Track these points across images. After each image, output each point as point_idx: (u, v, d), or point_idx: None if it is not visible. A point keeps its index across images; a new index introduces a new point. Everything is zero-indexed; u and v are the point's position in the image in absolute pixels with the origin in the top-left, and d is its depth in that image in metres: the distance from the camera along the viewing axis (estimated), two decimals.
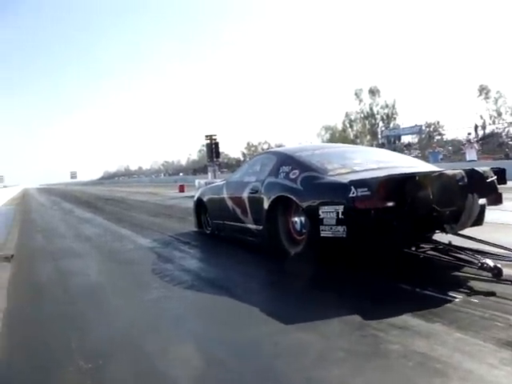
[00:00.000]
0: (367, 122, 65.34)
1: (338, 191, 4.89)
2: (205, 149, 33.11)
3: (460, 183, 4.58)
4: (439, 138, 49.35)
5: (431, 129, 55.49)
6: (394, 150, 48.79)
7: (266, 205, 6.12)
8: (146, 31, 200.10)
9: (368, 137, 64.72)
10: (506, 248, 4.75)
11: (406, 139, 51.51)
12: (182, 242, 8.30)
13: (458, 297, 3.86)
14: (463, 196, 4.56)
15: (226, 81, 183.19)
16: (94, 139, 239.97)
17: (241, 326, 3.71)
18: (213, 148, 29.76)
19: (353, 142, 63.72)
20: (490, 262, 4.14)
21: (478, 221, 5.03)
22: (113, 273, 6.27)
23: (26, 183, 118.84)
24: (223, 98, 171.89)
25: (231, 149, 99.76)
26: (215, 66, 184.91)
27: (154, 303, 4.51)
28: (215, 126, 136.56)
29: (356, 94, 64.56)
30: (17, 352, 3.52)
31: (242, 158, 74.32)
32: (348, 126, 67.46)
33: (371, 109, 64.27)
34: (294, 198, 5.52)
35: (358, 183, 4.66)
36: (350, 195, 4.64)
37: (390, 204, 4.50)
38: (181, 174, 77.42)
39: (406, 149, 43.77)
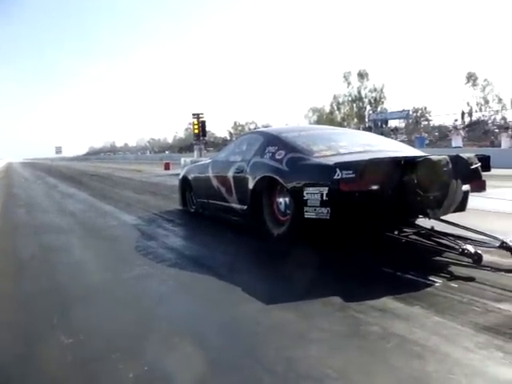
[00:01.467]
0: (355, 106, 65.35)
1: (323, 173, 4.90)
2: (191, 127, 32.79)
3: (444, 169, 4.54)
4: (426, 123, 49.58)
5: (418, 114, 55.72)
6: (382, 134, 48.91)
7: (250, 185, 6.11)
8: (134, 5, 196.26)
9: (355, 120, 64.83)
10: (487, 235, 4.78)
11: (393, 123, 51.68)
12: (167, 219, 8.27)
13: (438, 281, 3.91)
14: (447, 182, 4.56)
15: (215, 60, 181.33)
16: (80, 114, 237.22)
17: (223, 304, 3.75)
18: (199, 126, 29.56)
19: (340, 124, 63.85)
20: (471, 248, 4.20)
21: (461, 207, 5.07)
22: (95, 249, 6.23)
23: (10, 157, 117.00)
24: (211, 76, 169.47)
25: (218, 128, 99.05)
26: (204, 45, 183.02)
27: (136, 281, 4.49)
28: (202, 105, 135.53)
29: (344, 76, 64.40)
30: None
31: (228, 138, 73.96)
32: (336, 108, 67.44)
33: (359, 92, 64.24)
34: (279, 179, 5.52)
35: (343, 165, 4.67)
36: (335, 177, 4.64)
37: (375, 187, 4.53)
38: (167, 152, 76.85)
39: (393, 133, 43.93)
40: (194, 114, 29.61)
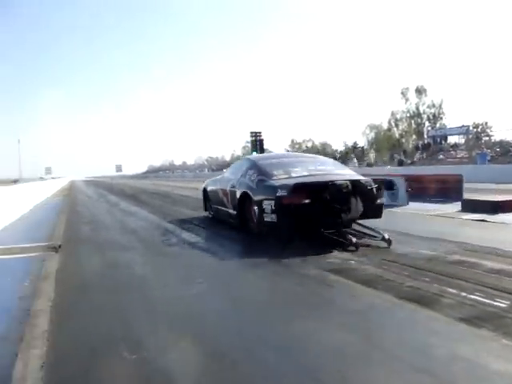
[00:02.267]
0: (413, 122, 64.21)
1: (271, 191, 7.33)
2: (249, 145, 33.32)
3: (344, 190, 6.93)
4: (487, 139, 47.80)
5: (479, 129, 53.69)
6: (440, 150, 47.77)
7: (237, 197, 8.64)
8: (193, 28, 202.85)
9: (413, 136, 63.65)
10: (378, 231, 7.22)
11: (452, 139, 50.31)
12: (223, 235, 8.57)
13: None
14: (348, 198, 6.97)
15: (273, 78, 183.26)
16: (140, 133, 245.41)
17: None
18: (257, 144, 29.97)
19: (398, 141, 62.97)
20: (354, 239, 6.70)
21: (376, 215, 7.71)
22: (157, 266, 6.44)
23: (73, 175, 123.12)
24: (269, 94, 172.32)
25: (275, 146, 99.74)
26: (262, 63, 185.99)
27: (196, 298, 4.64)
28: (260, 123, 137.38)
29: (402, 92, 63.64)
30: (65, 342, 3.70)
31: None
32: (393, 125, 66.58)
33: (417, 108, 63.18)
34: (251, 194, 8.03)
35: (282, 186, 7.20)
36: (277, 194, 7.14)
37: (307, 201, 6.93)
38: (224, 170, 78.13)
39: (453, 149, 42.63)
40: (252, 133, 30.14)
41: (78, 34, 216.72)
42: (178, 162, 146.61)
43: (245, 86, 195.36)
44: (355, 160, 55.52)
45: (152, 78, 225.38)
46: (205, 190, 11.72)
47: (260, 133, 30.61)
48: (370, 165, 52.19)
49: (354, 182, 7.20)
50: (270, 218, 7.25)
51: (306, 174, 7.92)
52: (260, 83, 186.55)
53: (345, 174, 8.17)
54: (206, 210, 11.83)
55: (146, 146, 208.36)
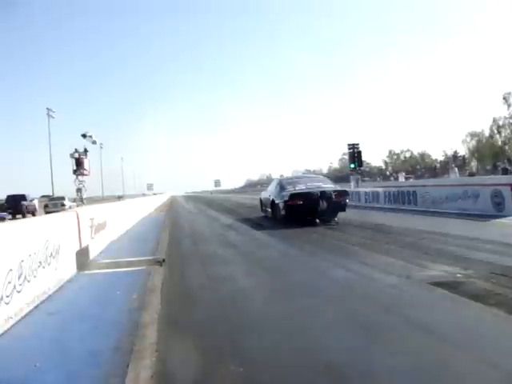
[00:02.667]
0: None
1: (282, 197, 13.78)
2: (346, 157, 32.88)
3: (314, 197, 12.97)
4: None
5: None
6: None
7: (270, 201, 15.23)
8: (290, 45, 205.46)
9: None
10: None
11: None
12: (326, 249, 8.42)
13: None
14: (318, 201, 12.89)
15: (370, 87, 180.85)
16: (238, 147, 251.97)
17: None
18: (355, 157, 29.48)
19: (501, 149, 59.11)
20: (317, 221, 12.95)
21: (341, 210, 13.43)
22: (259, 280, 6.48)
23: (173, 191, 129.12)
24: (366, 104, 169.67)
25: (373, 157, 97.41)
26: (359, 74, 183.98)
27: (300, 312, 4.57)
28: (357, 134, 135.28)
29: (504, 98, 59.69)
30: (173, 354, 3.79)
31: (383, 167, 72.23)
32: (496, 132, 62.51)
33: None
34: (275, 199, 14.59)
35: (287, 195, 13.47)
36: (285, 199, 13.51)
37: (300, 202, 13.07)
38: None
39: None
40: (349, 145, 29.67)
41: (180, 59, 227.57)
42: (275, 176, 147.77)
43: (342, 96, 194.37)
44: (456, 170, 52.67)
45: (249, 92, 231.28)
46: (260, 199, 18.41)
47: (358, 144, 29.99)
48: (471, 174, 49.32)
49: (322, 192, 13.17)
50: (283, 212, 13.63)
51: (303, 187, 13.92)
52: (358, 93, 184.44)
53: (326, 186, 13.94)
54: (261, 210, 17.81)
55: (243, 160, 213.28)
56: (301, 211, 12.91)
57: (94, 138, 28.87)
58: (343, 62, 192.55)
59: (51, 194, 48.61)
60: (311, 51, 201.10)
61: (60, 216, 7.55)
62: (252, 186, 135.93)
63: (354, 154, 29.74)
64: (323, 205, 12.69)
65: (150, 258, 8.41)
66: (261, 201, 17.96)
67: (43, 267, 5.60)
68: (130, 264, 7.94)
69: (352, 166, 30.65)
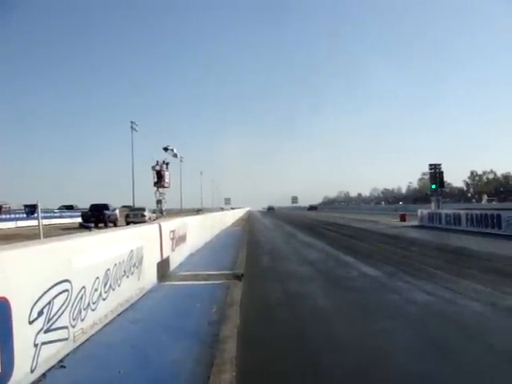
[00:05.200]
0: None
1: None
2: (426, 177, 31.76)
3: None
4: None
5: None
6: None
7: None
8: (374, 62, 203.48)
9: None
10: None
11: None
12: (405, 271, 8.14)
13: None
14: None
15: (454, 106, 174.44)
16: (316, 164, 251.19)
17: None
18: (437, 177, 28.50)
19: None
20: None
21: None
22: (338, 299, 6.35)
23: (250, 206, 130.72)
24: (448, 123, 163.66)
25: (453, 177, 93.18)
26: (440, 89, 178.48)
27: (380, 334, 4.40)
28: (437, 153, 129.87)
29: None
30: (253, 368, 3.77)
31: (464, 188, 69.18)
32: None
33: None
34: None
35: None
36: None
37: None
38: (400, 203, 75.73)
39: None
40: (431, 165, 28.70)
41: (256, 70, 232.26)
42: (353, 194, 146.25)
43: (425, 113, 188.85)
44: None
45: (325, 109, 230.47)
46: None
47: (439, 165, 28.87)
48: None
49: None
50: None
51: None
52: (441, 110, 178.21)
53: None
54: None
55: (321, 177, 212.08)
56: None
57: (175, 151, 29.97)
58: (425, 76, 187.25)
59: (132, 205, 50.75)
60: (396, 67, 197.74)
61: (144, 228, 7.82)
62: (329, 204, 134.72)
63: (436, 175, 28.69)
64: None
65: (229, 272, 8.50)
66: None
67: (127, 276, 5.81)
68: (208, 277, 8.06)
69: (433, 186, 29.65)
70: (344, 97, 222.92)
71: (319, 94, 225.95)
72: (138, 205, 43.77)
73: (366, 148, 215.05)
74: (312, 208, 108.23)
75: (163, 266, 8.11)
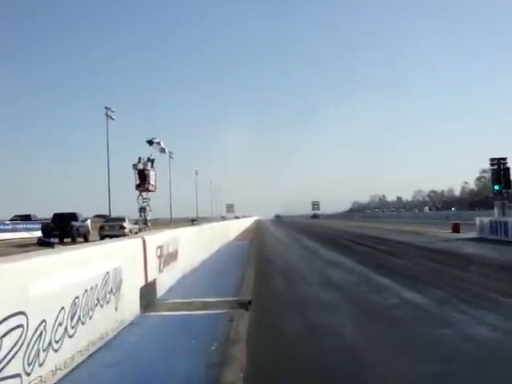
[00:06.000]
0: None
1: None
2: (487, 175, 31.46)
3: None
4: None
5: None
6: None
7: None
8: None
9: None
10: None
11: None
12: (461, 298, 8.11)
13: None
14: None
15: None
16: (341, 163, 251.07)
17: None
18: (501, 175, 28.06)
19: None
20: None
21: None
22: (372, 335, 6.26)
23: (260, 214, 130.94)
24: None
25: None
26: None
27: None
28: (500, 146, 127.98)
29: None
30: None
31: None
32: None
33: None
34: None
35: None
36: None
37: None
38: (453, 209, 75.45)
39: None
40: (492, 160, 28.32)
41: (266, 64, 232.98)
42: (390, 198, 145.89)
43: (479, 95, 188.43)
44: None
45: (355, 95, 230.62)
46: None
47: (505, 159, 28.39)
48: None
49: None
50: None
51: None
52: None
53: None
54: None
55: (349, 179, 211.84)
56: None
57: (162, 145, 29.39)
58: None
59: (108, 214, 50.72)
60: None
61: (123, 243, 7.77)
62: (360, 211, 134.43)
63: (500, 172, 28.19)
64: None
65: (233, 298, 8.42)
66: None
67: (101, 306, 5.73)
68: (206, 306, 7.99)
69: (496, 187, 29.14)
70: (382, 73, 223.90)
71: (348, 76, 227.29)
72: (115, 214, 43.66)
73: (407, 141, 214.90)
74: (315, 216, 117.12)
75: (148, 291, 8.04)
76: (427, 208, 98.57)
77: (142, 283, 7.81)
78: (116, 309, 6.28)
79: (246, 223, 58.35)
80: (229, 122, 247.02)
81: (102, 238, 27.99)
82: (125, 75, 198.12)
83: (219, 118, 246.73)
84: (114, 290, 6.19)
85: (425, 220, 60.83)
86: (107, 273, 5.99)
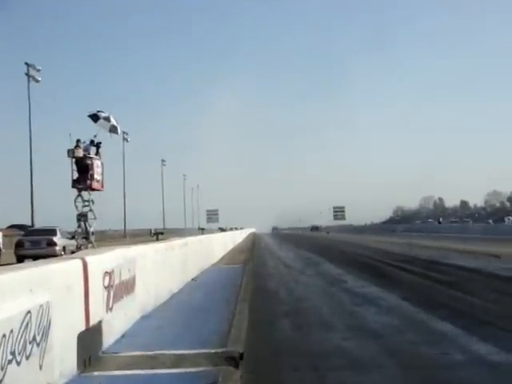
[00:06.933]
0: None
1: None
2: None
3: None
4: None
5: None
6: None
7: None
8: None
9: None
10: None
11: None
12: None
13: None
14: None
15: None
16: (376, 159, 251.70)
17: None
18: None
19: None
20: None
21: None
22: None
23: (255, 226, 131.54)
24: None
25: None
26: None
27: None
28: None
29: None
30: None
31: None
32: None
33: None
34: None
35: None
36: None
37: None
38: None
39: None
40: None
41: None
42: (451, 203, 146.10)
43: None
44: None
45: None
46: None
47: None
48: None
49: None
50: None
51: None
52: None
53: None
54: None
55: (389, 177, 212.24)
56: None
57: (113, 122, 28.00)
58: None
59: (29, 224, 50.39)
60: None
61: (53, 268, 7.63)
62: (406, 221, 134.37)
63: None
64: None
65: (217, 350, 8.42)
66: None
67: (18, 363, 5.63)
68: (178, 361, 7.98)
69: None
70: None
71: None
72: (41, 223, 43.49)
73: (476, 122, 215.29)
74: (314, 228, 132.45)
75: (90, 339, 7.97)
76: (510, 218, 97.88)
77: (82, 327, 7.74)
78: (41, 367, 6.19)
79: (237, 238, 58.33)
80: (214, 92, 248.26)
81: (21, 259, 27.38)
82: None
83: (202, 87, 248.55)
84: (38, 339, 6.12)
85: (505, 236, 60.29)
86: (28, 312, 5.91)
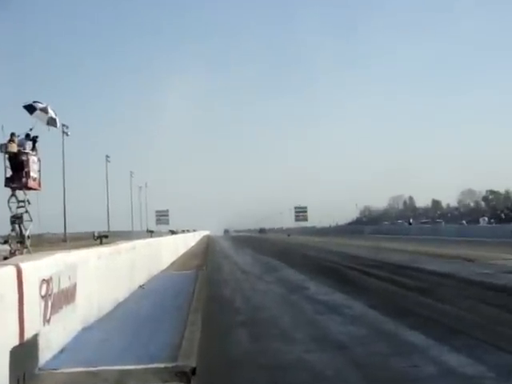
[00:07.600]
0: None
1: None
2: None
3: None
4: None
5: None
6: None
7: None
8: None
9: None
10: None
11: None
12: None
13: None
14: None
15: None
16: (342, 151, 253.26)
17: None
18: None
19: None
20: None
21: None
22: None
23: (209, 228, 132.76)
24: None
25: None
26: None
27: None
28: None
29: None
30: None
31: None
32: None
33: None
34: None
35: None
36: None
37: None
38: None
39: None
40: None
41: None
42: (422, 202, 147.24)
43: None
44: None
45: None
46: None
47: None
48: None
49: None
50: None
51: None
52: None
53: None
54: None
55: (357, 176, 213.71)
56: None
57: (51, 114, 27.62)
58: None
59: None
60: None
61: None
62: (373, 222, 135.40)
63: None
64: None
65: (166, 365, 8.37)
66: None
67: None
68: (122, 377, 7.93)
69: None
70: None
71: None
72: None
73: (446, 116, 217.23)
74: (262, 231, 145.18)
75: (25, 354, 7.88)
76: (485, 219, 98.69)
77: (15, 341, 7.64)
78: None
79: (190, 241, 58.42)
80: (164, 85, 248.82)
81: None
82: None
83: (151, 80, 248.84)
84: None
85: (480, 238, 61.03)
86: None
